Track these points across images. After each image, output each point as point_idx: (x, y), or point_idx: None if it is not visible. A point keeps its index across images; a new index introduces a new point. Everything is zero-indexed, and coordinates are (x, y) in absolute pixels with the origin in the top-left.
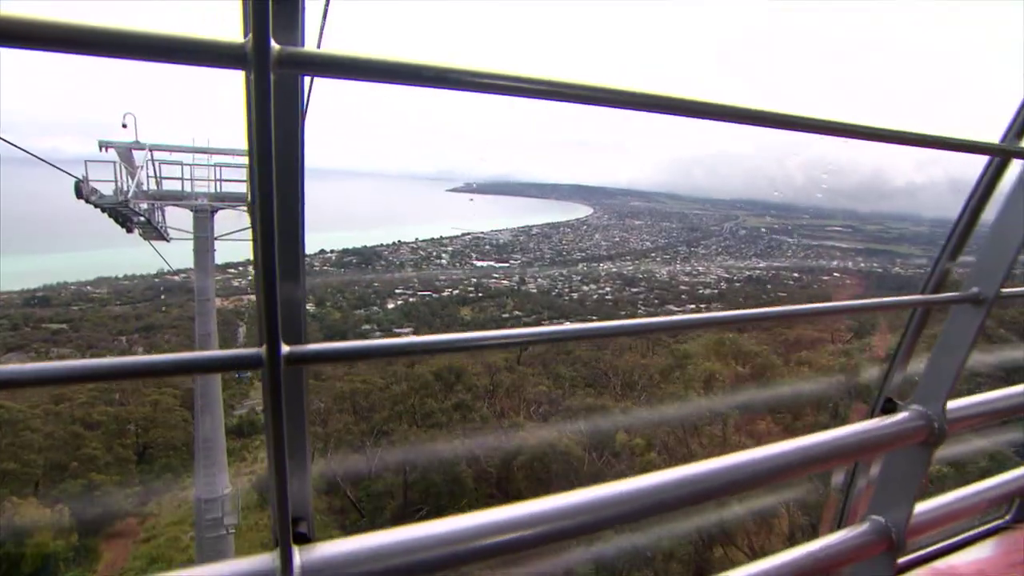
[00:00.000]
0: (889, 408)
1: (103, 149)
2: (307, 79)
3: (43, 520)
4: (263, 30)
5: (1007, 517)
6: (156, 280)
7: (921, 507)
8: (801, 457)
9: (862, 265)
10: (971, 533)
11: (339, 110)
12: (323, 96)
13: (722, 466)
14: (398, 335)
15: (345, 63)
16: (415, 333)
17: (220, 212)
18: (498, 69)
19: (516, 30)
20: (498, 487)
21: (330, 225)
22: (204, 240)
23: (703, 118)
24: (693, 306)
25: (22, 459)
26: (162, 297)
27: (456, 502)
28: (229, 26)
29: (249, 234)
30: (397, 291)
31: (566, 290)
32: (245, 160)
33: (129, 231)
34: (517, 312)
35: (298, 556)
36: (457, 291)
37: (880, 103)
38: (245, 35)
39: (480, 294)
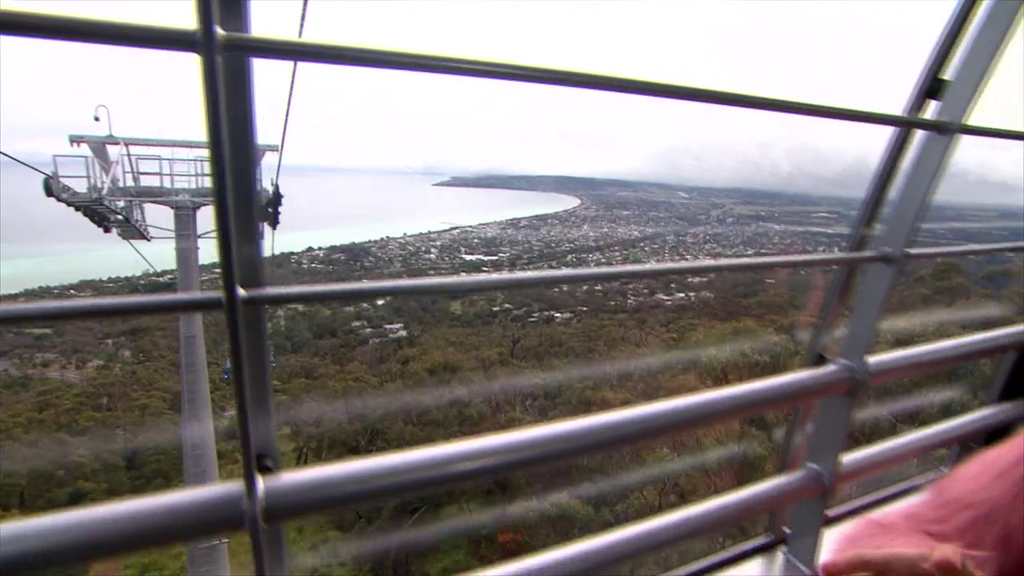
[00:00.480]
0: (820, 363)
1: (74, 144)
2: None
3: None
4: (208, 14)
5: (944, 469)
6: (142, 282)
7: (852, 456)
8: (740, 402)
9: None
10: (910, 483)
11: (323, 109)
12: (305, 95)
13: (668, 408)
14: (388, 332)
15: (291, 47)
16: (405, 329)
17: (204, 209)
18: (446, 52)
19: (499, 19)
20: (498, 485)
21: (317, 222)
22: (187, 238)
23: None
24: (683, 295)
25: (4, 470)
26: None
27: (455, 500)
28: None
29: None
30: None
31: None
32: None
33: (107, 231)
34: (507, 304)
35: (262, 483)
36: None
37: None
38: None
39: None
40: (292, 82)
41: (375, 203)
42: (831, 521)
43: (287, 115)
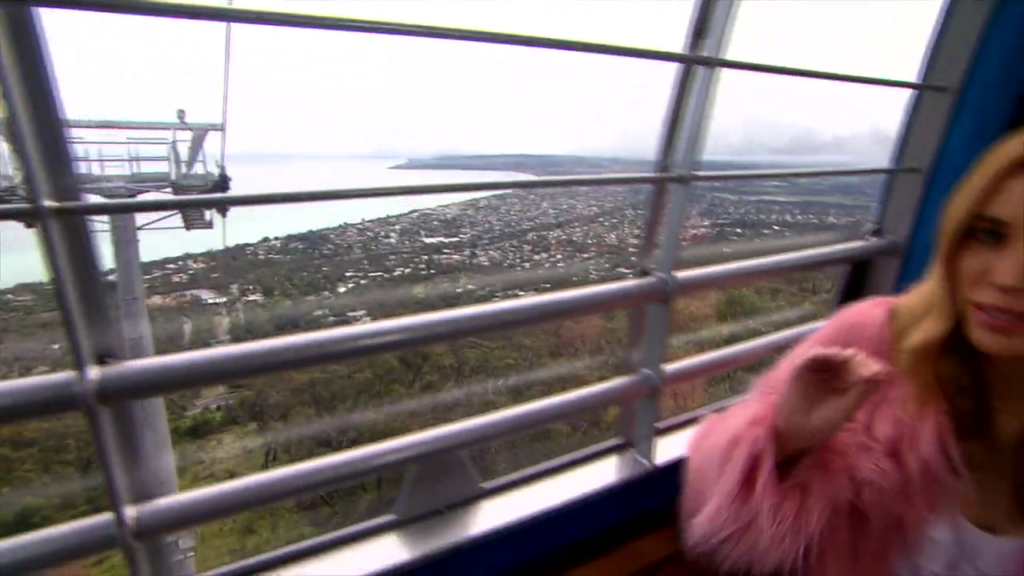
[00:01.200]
0: (643, 276)
1: None
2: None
3: None
4: None
5: None
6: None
7: (677, 364)
8: (578, 303)
9: (799, 218)
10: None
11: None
12: (247, 80)
13: (513, 306)
14: (352, 320)
15: None
16: (370, 315)
17: (141, 197)
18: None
19: None
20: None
21: (272, 211)
22: (123, 230)
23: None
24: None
25: None
26: None
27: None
28: None
29: (181, 222)
30: (348, 274)
31: (518, 260)
32: (167, 135)
33: (29, 226)
34: (470, 286)
35: (98, 371)
36: (409, 269)
37: None
38: None
39: (432, 271)
40: (227, 54)
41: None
42: (663, 431)
43: (225, 91)
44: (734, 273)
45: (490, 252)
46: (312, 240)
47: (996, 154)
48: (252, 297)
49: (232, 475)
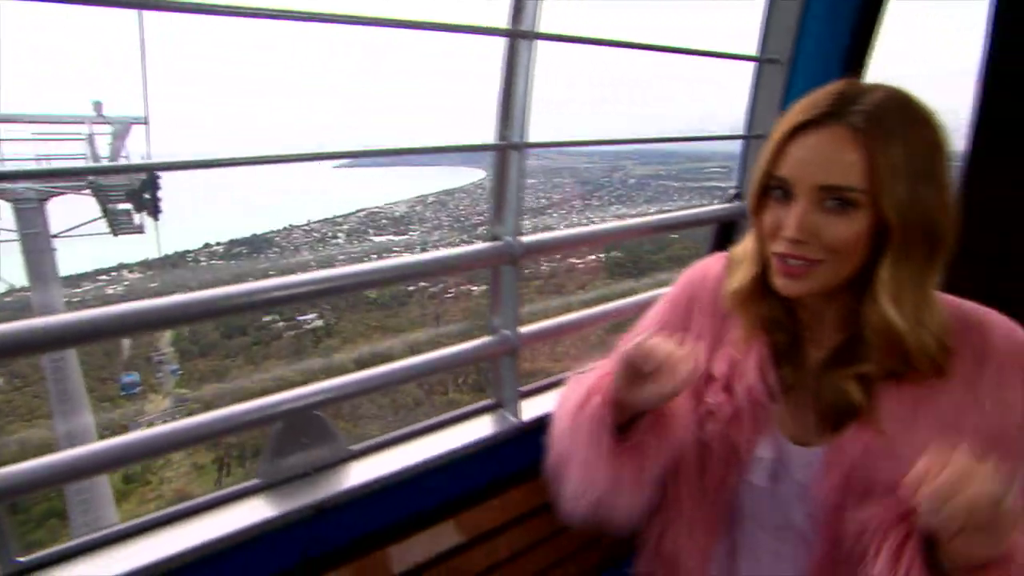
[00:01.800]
0: (494, 240)
1: None
2: None
3: None
4: None
5: None
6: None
7: (532, 326)
8: (434, 266)
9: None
10: None
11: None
12: (179, 75)
13: (376, 267)
14: (303, 323)
15: None
16: (321, 318)
17: (56, 199)
18: None
19: None
20: None
21: (211, 216)
22: (35, 239)
23: None
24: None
25: None
26: None
27: None
28: None
29: (107, 227)
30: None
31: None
32: (83, 128)
33: None
34: (423, 283)
35: None
36: None
37: None
38: None
39: None
40: (141, 38)
41: (273, 190)
42: (531, 393)
43: (144, 78)
44: (584, 236)
45: (441, 248)
46: (256, 244)
47: (781, 121)
48: None
49: None
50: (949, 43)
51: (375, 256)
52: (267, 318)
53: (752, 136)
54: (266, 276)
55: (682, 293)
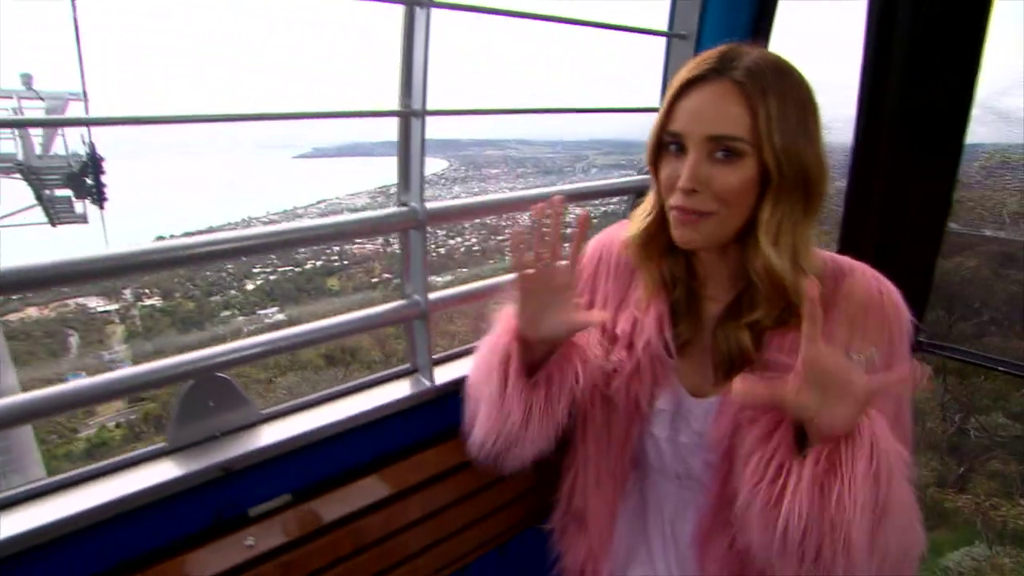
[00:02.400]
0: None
1: None
2: None
3: None
4: None
5: None
6: None
7: (442, 291)
8: (339, 229)
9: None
10: None
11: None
12: (123, 56)
13: (287, 228)
14: (264, 317)
15: None
16: (282, 312)
17: None
18: None
19: None
20: None
21: (165, 207)
22: None
23: None
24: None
25: None
26: None
27: None
28: None
29: (44, 216)
30: (255, 270)
31: (432, 246)
32: (10, 103)
33: None
34: (387, 275)
35: None
36: (320, 262)
37: None
38: None
39: (345, 262)
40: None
41: (230, 181)
42: (446, 360)
43: (79, 51)
44: (490, 204)
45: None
46: None
47: (673, 79)
48: (149, 302)
49: None
50: (847, 19)
51: (336, 247)
52: (226, 312)
53: None
54: (224, 268)
55: (590, 259)
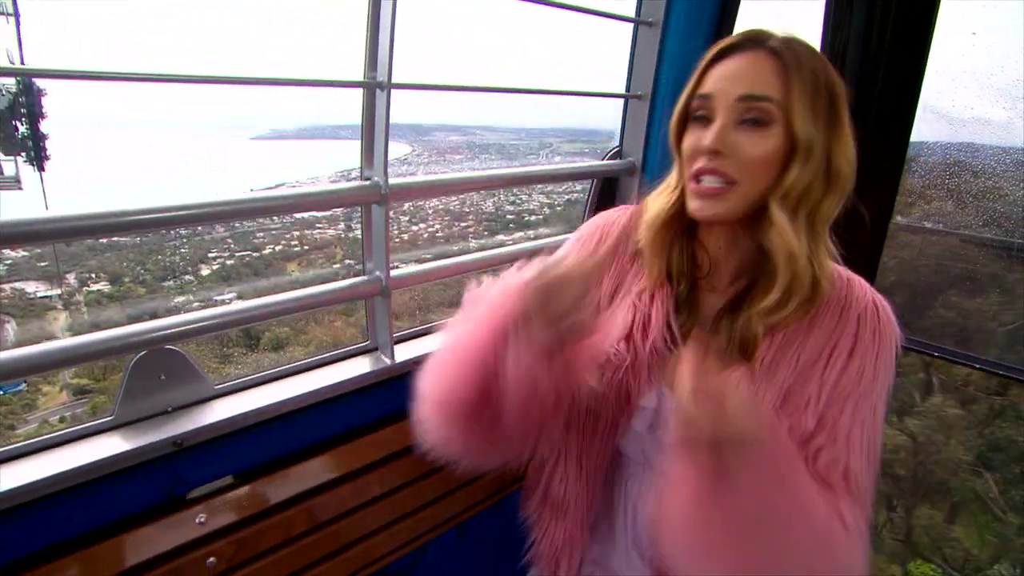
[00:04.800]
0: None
1: None
2: None
3: None
4: None
5: None
6: None
7: (404, 268)
8: (305, 201)
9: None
10: None
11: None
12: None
13: (248, 197)
14: (220, 303)
15: None
16: (240, 297)
17: None
18: None
19: None
20: None
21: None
22: None
23: None
24: (521, 233)
25: None
26: None
27: None
28: None
29: None
30: (211, 254)
31: (395, 231)
32: None
33: None
34: (349, 260)
35: None
36: (280, 247)
37: None
38: None
39: (306, 247)
40: None
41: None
42: (406, 339)
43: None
44: (455, 181)
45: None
46: None
47: (709, 50)
48: (96, 287)
49: None
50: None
51: (296, 232)
52: (180, 298)
53: (631, 96)
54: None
55: (593, 232)
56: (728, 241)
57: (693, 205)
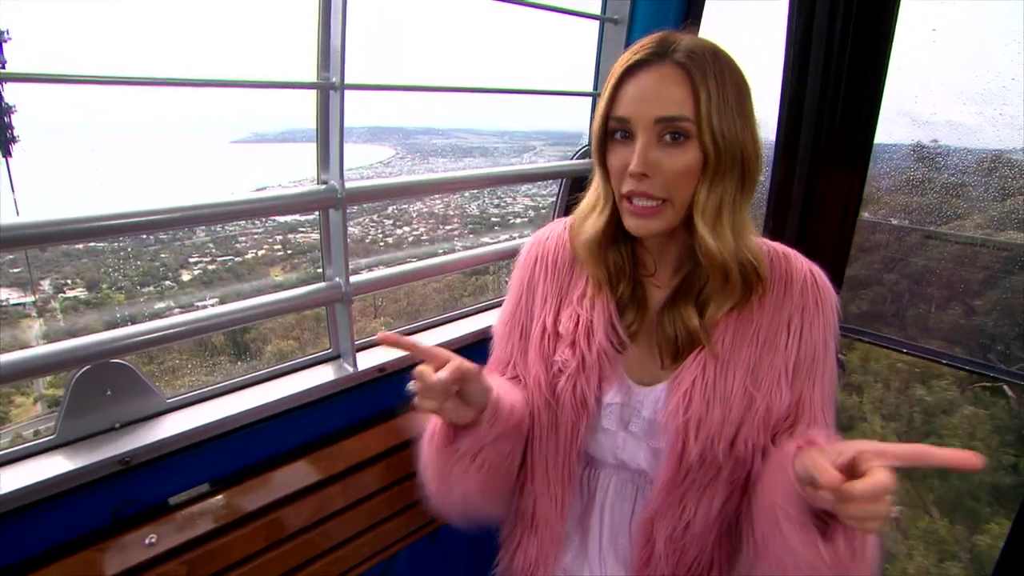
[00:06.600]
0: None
1: None
2: None
3: None
4: None
5: None
6: None
7: (364, 275)
8: (262, 206)
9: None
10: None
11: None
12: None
13: (214, 202)
14: (201, 308)
15: None
16: (222, 302)
17: None
18: None
19: None
20: None
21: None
22: None
23: None
24: (507, 236)
25: None
26: None
27: None
28: None
29: None
30: (191, 259)
31: (380, 235)
32: None
33: None
34: None
35: None
36: (263, 251)
37: None
38: None
39: (289, 251)
40: None
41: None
42: (362, 348)
43: None
44: (414, 184)
45: (350, 228)
46: None
47: (614, 67)
48: (73, 293)
49: None
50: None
51: (279, 236)
52: (160, 304)
53: (599, 95)
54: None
55: (526, 262)
56: (665, 240)
57: (630, 223)
